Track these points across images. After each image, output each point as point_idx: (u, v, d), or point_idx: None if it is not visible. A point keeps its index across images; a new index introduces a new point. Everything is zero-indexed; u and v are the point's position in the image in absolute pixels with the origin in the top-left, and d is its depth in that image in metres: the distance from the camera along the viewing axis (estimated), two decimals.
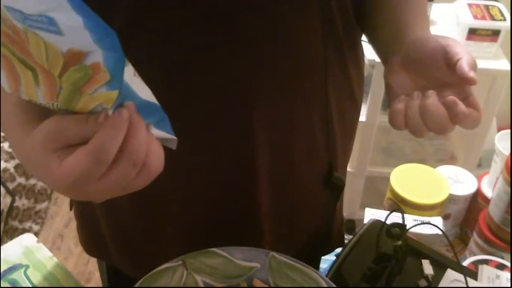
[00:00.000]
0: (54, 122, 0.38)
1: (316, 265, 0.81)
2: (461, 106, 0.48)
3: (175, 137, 0.43)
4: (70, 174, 0.37)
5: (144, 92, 0.39)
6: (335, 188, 0.68)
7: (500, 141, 1.18)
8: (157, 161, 0.39)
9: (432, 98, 0.50)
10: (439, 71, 0.51)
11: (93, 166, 0.36)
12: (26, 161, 0.42)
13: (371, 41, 0.63)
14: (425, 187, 1.12)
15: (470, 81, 0.48)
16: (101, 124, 0.36)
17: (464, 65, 0.48)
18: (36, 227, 1.82)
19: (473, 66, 0.48)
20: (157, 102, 0.40)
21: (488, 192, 1.17)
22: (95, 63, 0.34)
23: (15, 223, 1.77)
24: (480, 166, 1.61)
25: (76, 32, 0.32)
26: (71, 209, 0.76)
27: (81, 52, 0.33)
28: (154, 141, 0.39)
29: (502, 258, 0.93)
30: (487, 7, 1.44)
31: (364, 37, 0.66)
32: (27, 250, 0.73)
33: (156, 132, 0.41)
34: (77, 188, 0.38)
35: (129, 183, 0.39)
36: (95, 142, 0.36)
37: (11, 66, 0.37)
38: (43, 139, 0.38)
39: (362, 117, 1.48)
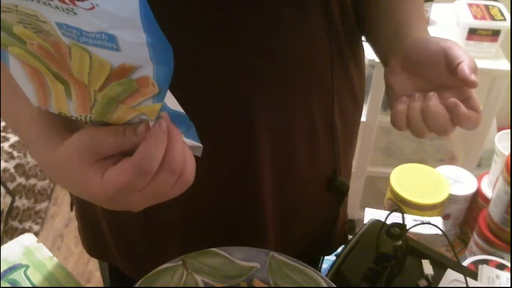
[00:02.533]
0: (89, 134, 0.38)
1: (318, 265, 0.81)
2: (462, 108, 0.49)
3: (201, 145, 0.44)
4: (114, 186, 0.37)
5: (171, 102, 0.39)
6: (339, 191, 0.68)
7: (500, 141, 1.18)
8: (192, 169, 0.40)
9: (434, 100, 0.51)
10: (439, 73, 0.51)
11: (138, 177, 0.37)
12: (56, 173, 0.42)
13: (370, 42, 0.64)
14: (425, 187, 1.12)
15: (471, 84, 0.49)
16: (140, 135, 0.37)
17: (465, 68, 0.48)
18: (36, 227, 1.82)
19: (474, 69, 0.49)
20: (183, 111, 0.40)
21: (488, 192, 1.17)
22: (143, 76, 0.34)
23: (15, 223, 1.77)
24: (480, 166, 1.61)
25: (135, 48, 0.32)
26: (71, 209, 0.76)
27: (132, 67, 0.33)
28: (188, 150, 0.40)
29: (502, 258, 0.93)
30: (487, 7, 1.44)
31: (363, 38, 0.66)
32: (27, 250, 0.73)
33: (186, 141, 0.41)
34: (119, 199, 0.39)
35: (167, 192, 0.40)
36: (140, 153, 0.37)
37: (42, 80, 0.37)
38: (79, 152, 0.38)
39: (362, 117, 1.48)
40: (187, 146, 0.40)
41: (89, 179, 0.38)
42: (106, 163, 0.38)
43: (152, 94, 0.35)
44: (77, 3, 0.30)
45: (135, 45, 0.32)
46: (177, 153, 0.38)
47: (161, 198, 0.40)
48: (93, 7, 0.30)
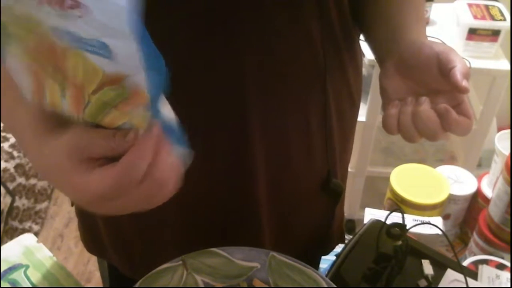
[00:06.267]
0: (80, 134, 0.38)
1: (316, 265, 0.81)
2: (453, 114, 0.50)
3: (191, 152, 0.43)
4: (97, 189, 0.37)
5: (164, 109, 0.39)
6: (334, 193, 0.68)
7: (500, 141, 1.18)
8: (177, 179, 0.40)
9: (425, 104, 0.51)
10: (432, 77, 0.52)
11: (122, 184, 0.37)
12: (46, 169, 0.42)
13: (368, 40, 0.64)
14: (425, 187, 1.12)
15: (462, 90, 0.49)
16: (129, 142, 0.37)
17: (457, 73, 0.49)
18: (36, 227, 1.82)
19: (466, 75, 0.49)
20: (176, 119, 0.40)
21: (488, 192, 1.17)
22: (135, 84, 0.34)
23: (15, 223, 1.77)
24: (480, 166, 1.61)
25: (127, 57, 0.32)
26: (72, 205, 0.76)
27: (125, 74, 0.33)
28: (175, 159, 0.40)
29: (502, 258, 0.93)
30: (487, 7, 1.44)
31: (362, 37, 0.66)
32: (27, 250, 0.73)
33: (175, 148, 0.41)
34: (101, 202, 0.38)
35: (151, 200, 0.40)
36: (126, 161, 0.36)
37: (37, 77, 0.37)
38: (69, 150, 0.38)
39: (362, 117, 1.48)
40: (175, 155, 0.40)
41: (75, 179, 0.38)
42: (93, 164, 0.38)
43: (144, 102, 0.35)
44: (68, 10, 0.30)
45: (127, 53, 0.32)
46: (164, 163, 0.38)
47: (145, 205, 0.40)
48: (83, 15, 0.30)
